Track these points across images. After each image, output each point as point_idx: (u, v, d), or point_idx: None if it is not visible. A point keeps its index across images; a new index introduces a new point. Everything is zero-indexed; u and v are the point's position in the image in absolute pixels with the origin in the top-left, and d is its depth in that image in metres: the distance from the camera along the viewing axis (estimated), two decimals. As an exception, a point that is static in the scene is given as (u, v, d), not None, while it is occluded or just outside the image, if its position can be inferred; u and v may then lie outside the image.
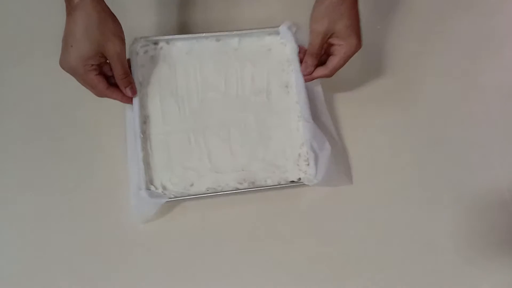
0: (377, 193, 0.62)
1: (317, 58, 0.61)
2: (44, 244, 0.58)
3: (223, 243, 0.58)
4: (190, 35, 0.63)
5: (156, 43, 0.62)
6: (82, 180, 0.61)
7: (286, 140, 0.61)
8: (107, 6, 0.54)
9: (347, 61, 0.59)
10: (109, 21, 0.54)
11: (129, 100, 0.59)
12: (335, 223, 0.60)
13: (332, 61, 0.59)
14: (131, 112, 0.59)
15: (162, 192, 0.57)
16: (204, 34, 0.63)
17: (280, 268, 0.58)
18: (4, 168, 0.62)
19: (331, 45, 0.59)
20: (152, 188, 0.57)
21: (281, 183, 0.59)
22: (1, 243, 0.58)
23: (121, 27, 0.55)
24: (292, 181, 0.59)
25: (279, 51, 0.64)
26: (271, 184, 0.59)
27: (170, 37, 0.63)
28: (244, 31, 0.63)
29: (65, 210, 0.60)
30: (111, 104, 0.61)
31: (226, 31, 0.64)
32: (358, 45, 0.58)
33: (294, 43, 0.63)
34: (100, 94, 0.57)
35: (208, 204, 0.60)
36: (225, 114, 0.61)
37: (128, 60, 0.60)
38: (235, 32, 0.63)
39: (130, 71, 0.59)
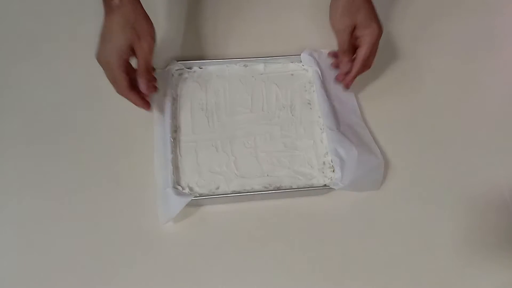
0: (377, 193, 0.62)
1: (350, 53, 0.64)
2: (51, 246, 0.58)
3: (245, 249, 0.59)
4: (220, 60, 0.69)
5: (190, 67, 0.69)
6: (90, 180, 0.62)
7: (310, 150, 0.64)
8: (143, 9, 0.59)
9: (375, 48, 0.63)
10: (143, 22, 0.59)
11: (144, 105, 0.61)
12: (335, 223, 0.61)
13: (360, 52, 0.63)
14: (161, 121, 0.64)
15: (188, 192, 0.59)
16: (233, 60, 0.69)
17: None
18: (11, 169, 0.62)
19: (356, 38, 0.63)
20: (179, 188, 0.59)
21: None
22: (8, 244, 0.58)
23: (153, 28, 0.60)
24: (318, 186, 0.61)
25: (301, 75, 0.70)
26: (297, 188, 0.60)
27: (203, 61, 0.69)
28: (269, 58, 0.70)
29: (75, 211, 0.60)
30: (123, 105, 0.62)
31: (253, 57, 0.70)
32: (380, 29, 0.62)
33: (315, 67, 0.68)
34: (120, 91, 0.60)
35: (231, 209, 0.60)
36: (251, 126, 0.65)
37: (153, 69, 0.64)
38: (261, 59, 0.70)
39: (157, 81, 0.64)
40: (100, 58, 0.58)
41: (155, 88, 0.63)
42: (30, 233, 0.58)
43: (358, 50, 0.63)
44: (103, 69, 0.59)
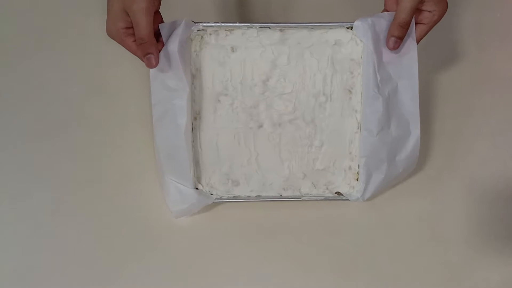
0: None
1: (407, 29, 0.53)
2: (62, 239, 0.59)
3: (255, 242, 0.59)
4: (250, 24, 0.56)
5: (213, 29, 0.56)
6: (95, 175, 0.62)
7: (337, 149, 0.59)
8: None
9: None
10: None
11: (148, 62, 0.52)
12: (341, 215, 0.61)
13: (420, 31, 0.54)
14: (177, 106, 0.54)
15: (209, 192, 0.58)
16: (267, 24, 0.56)
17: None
18: (22, 163, 0.63)
19: (420, 11, 0.53)
20: (200, 187, 0.58)
21: (325, 194, 0.59)
22: (19, 238, 0.59)
23: None
24: (338, 192, 0.59)
25: (349, 49, 0.57)
26: (314, 195, 0.59)
27: (230, 24, 0.56)
28: (312, 24, 0.56)
29: (84, 205, 0.61)
30: (133, 99, 0.63)
31: (291, 22, 0.57)
32: (446, 9, 0.53)
33: (370, 43, 0.54)
34: (144, 47, 0.51)
35: (244, 204, 0.60)
36: (278, 116, 0.58)
37: (158, 28, 0.53)
38: (302, 24, 0.56)
39: (161, 41, 0.53)
40: (107, 32, 0.52)
41: (155, 61, 0.51)
42: (39, 228, 0.59)
43: (417, 27, 0.54)
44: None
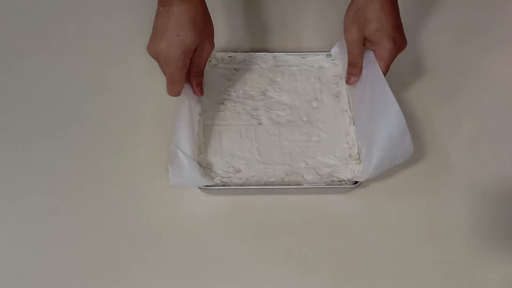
0: (385, 185, 0.63)
1: (359, 67, 0.60)
2: (57, 239, 0.59)
3: (254, 240, 0.59)
4: (251, 53, 0.70)
5: (219, 55, 0.70)
6: (95, 175, 0.62)
7: (336, 142, 0.63)
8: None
9: (389, 65, 0.58)
10: (210, 22, 0.57)
11: (198, 92, 0.60)
12: (341, 215, 0.61)
13: (380, 67, 0.58)
14: (186, 102, 0.59)
15: (209, 171, 0.60)
16: (263, 53, 0.70)
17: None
18: (21, 163, 0.63)
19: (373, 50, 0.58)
20: (201, 168, 0.58)
21: (329, 180, 0.60)
22: (15, 238, 0.59)
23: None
24: (341, 180, 0.60)
25: (331, 70, 0.69)
26: (317, 183, 0.60)
27: (233, 53, 0.70)
28: (299, 53, 0.70)
29: (84, 205, 0.61)
30: (132, 98, 0.64)
31: (283, 51, 0.71)
32: (394, 46, 0.56)
33: (345, 59, 0.64)
34: (174, 92, 0.56)
35: (246, 204, 0.61)
36: (277, 116, 0.65)
37: None
38: (291, 53, 0.70)
39: None
40: (159, 51, 0.53)
41: (202, 93, 0.61)
42: (39, 227, 0.59)
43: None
44: (160, 63, 0.54)
